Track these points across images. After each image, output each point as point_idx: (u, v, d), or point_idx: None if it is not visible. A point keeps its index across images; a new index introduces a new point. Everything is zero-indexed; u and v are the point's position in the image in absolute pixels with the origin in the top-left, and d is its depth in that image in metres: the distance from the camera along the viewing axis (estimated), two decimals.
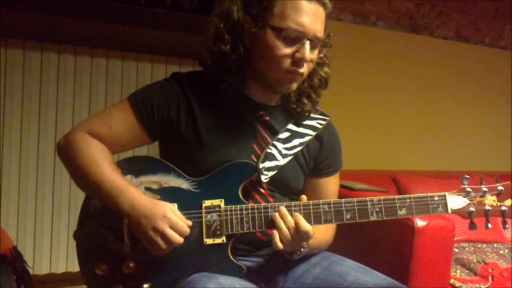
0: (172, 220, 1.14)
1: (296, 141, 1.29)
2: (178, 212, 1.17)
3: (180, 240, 1.15)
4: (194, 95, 1.25)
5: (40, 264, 2.38)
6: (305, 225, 1.13)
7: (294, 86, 1.24)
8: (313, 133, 1.31)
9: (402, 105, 3.08)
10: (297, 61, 1.18)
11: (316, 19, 1.17)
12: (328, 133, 1.36)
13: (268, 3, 1.17)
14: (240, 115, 1.27)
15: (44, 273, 2.39)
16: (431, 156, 3.19)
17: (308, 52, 1.17)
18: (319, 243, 1.31)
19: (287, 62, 1.18)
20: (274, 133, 1.29)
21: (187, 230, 1.16)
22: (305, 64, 1.19)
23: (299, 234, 1.14)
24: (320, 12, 1.18)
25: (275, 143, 1.27)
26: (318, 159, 1.35)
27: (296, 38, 1.16)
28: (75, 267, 2.42)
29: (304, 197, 1.20)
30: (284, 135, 1.29)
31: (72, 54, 2.37)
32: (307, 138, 1.31)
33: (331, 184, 1.39)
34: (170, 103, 1.24)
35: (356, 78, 2.86)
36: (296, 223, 1.13)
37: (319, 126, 1.33)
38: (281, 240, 1.14)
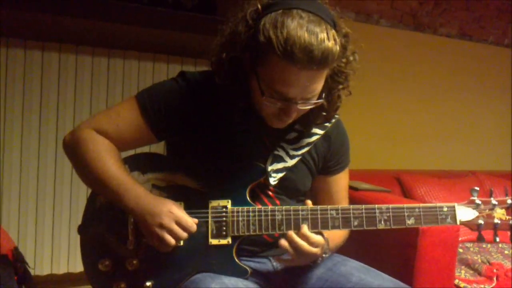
0: (177, 216, 1.13)
1: (303, 141, 1.28)
2: (183, 211, 1.16)
3: (186, 235, 1.14)
4: (201, 97, 1.23)
5: (41, 264, 2.37)
6: (314, 237, 1.13)
7: (283, 126, 1.19)
8: (321, 132, 1.29)
9: (405, 104, 3.06)
10: (281, 117, 1.13)
11: (308, 84, 1.06)
12: (336, 132, 1.34)
13: (262, 55, 1.05)
14: (248, 117, 1.25)
15: (45, 273, 2.38)
16: (434, 156, 3.17)
17: (294, 111, 1.12)
18: (337, 245, 1.32)
19: (272, 113, 1.14)
20: (281, 134, 1.27)
21: (192, 225, 1.14)
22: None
23: (311, 245, 1.13)
24: (316, 75, 1.06)
25: (283, 144, 1.26)
26: (327, 158, 1.33)
27: (279, 100, 1.09)
28: (76, 268, 2.42)
29: (309, 201, 1.19)
30: (291, 135, 1.27)
31: (73, 53, 2.37)
32: (315, 137, 1.29)
33: (340, 180, 1.38)
34: (177, 105, 1.22)
35: (359, 77, 2.84)
36: (307, 238, 1.13)
37: (328, 125, 1.30)
38: (294, 261, 1.15)
